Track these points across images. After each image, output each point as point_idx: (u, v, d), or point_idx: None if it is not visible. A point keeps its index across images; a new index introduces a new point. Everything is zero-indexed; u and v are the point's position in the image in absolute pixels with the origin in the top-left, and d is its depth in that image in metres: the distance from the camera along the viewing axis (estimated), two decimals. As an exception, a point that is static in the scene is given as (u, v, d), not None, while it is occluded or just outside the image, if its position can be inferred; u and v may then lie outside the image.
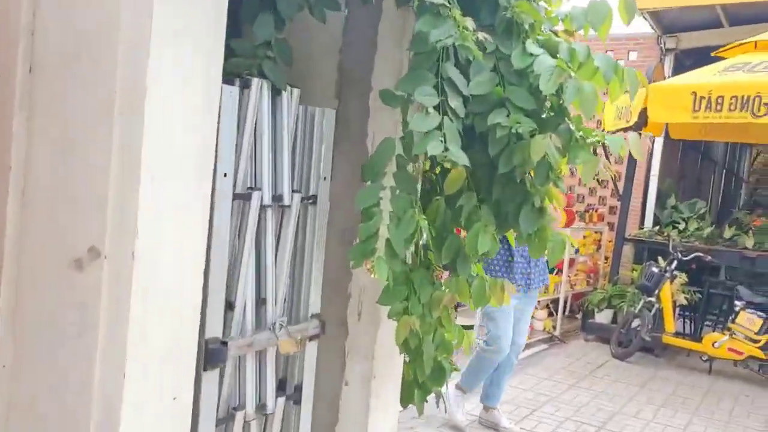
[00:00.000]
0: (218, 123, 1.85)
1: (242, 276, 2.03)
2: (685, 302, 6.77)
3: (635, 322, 6.59)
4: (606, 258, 8.41)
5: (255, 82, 2.00)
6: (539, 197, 2.37)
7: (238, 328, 2.05)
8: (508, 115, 2.13)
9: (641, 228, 8.64)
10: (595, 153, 2.94)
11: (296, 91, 2.17)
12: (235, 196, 1.98)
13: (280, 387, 2.32)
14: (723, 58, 6.59)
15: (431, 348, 2.48)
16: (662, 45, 8.74)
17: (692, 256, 6.62)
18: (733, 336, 6.04)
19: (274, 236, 2.16)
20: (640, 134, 2.14)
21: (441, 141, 1.97)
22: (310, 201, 2.27)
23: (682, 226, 8.05)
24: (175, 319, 1.69)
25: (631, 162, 7.52)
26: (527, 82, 2.19)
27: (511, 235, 2.58)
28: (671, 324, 6.54)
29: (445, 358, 2.58)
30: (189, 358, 1.76)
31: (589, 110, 2.11)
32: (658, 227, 8.36)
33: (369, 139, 2.50)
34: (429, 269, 2.55)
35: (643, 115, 5.89)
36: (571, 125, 2.26)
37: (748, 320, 6.01)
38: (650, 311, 6.51)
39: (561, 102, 2.24)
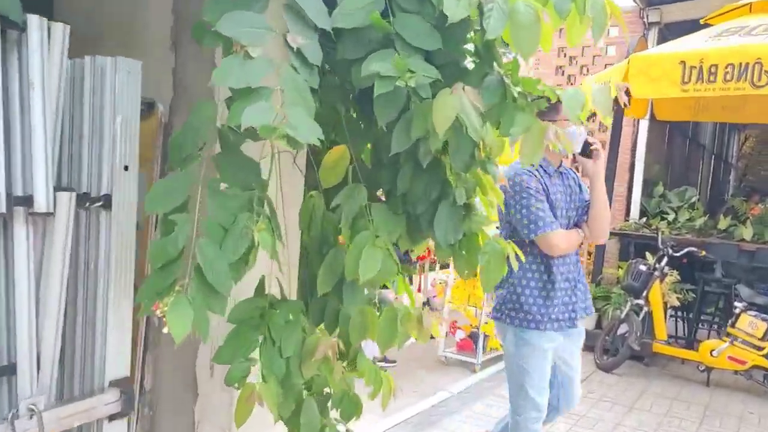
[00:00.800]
0: None
1: (-47, 334, 1.22)
2: (677, 303, 6.00)
3: (622, 328, 5.79)
4: (589, 254, 7.61)
5: (-43, 6, 1.18)
6: (462, 190, 1.57)
7: (-49, 421, 1.24)
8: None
9: (627, 220, 7.84)
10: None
11: (61, 28, 1.36)
12: (-76, 201, 1.17)
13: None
14: (714, 26, 5.80)
15: (314, 414, 1.68)
16: (645, 18, 7.95)
17: (684, 251, 5.84)
18: (734, 343, 5.25)
19: (29, 263, 1.34)
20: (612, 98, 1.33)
21: (272, 106, 1.17)
22: (100, 203, 1.45)
23: (671, 217, 7.30)
24: None
25: (614, 146, 6.72)
26: (429, 9, 1.39)
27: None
28: (662, 331, 5.75)
29: (336, 428, 1.77)
30: None
31: (528, 45, 1.32)
32: (645, 219, 7.58)
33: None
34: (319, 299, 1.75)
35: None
36: (504, 76, 1.46)
37: (750, 324, 5.23)
38: (638, 315, 5.72)
39: (486, 40, 1.44)
